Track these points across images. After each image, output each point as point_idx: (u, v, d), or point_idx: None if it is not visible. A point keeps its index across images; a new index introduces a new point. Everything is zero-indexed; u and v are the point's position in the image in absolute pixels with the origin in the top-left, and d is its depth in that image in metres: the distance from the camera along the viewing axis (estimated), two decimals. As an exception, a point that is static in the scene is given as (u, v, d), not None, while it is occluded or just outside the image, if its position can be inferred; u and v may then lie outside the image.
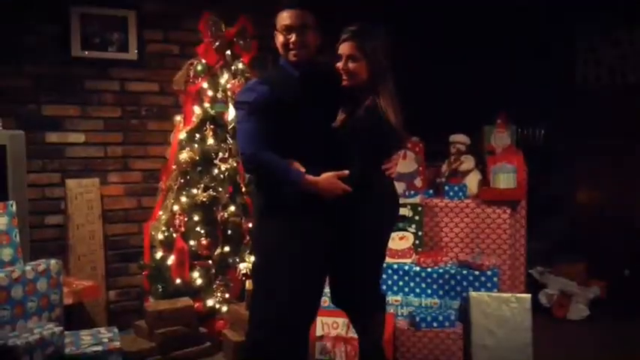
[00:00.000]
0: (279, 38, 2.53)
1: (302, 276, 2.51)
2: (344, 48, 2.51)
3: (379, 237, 2.68)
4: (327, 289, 2.79)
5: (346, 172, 2.43)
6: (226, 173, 3.66)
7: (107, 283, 3.95)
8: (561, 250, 4.57)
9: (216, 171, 3.66)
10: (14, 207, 2.91)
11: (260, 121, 2.44)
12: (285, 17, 2.49)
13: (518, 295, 3.31)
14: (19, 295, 2.74)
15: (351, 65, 2.50)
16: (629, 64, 4.36)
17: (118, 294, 4.03)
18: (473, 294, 3.31)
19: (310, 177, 2.42)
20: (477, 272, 3.42)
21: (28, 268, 2.81)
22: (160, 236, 3.63)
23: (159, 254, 3.63)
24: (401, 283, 3.52)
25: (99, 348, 2.83)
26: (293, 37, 2.48)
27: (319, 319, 3.30)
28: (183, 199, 3.62)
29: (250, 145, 2.44)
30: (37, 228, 3.69)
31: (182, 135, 3.70)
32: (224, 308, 3.59)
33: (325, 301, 3.37)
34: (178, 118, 3.81)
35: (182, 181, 3.66)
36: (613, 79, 4.48)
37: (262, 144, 2.43)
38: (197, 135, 3.69)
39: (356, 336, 2.97)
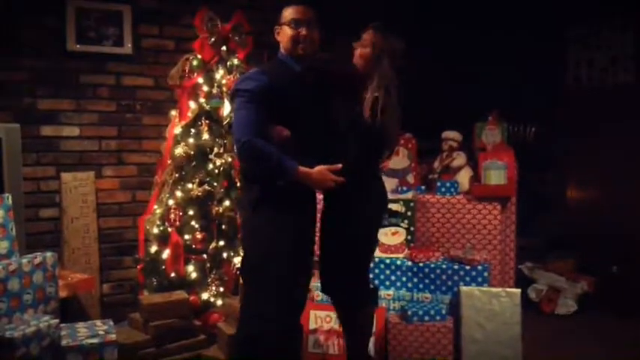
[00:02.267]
0: (287, 32, 2.57)
1: (294, 269, 2.55)
2: (369, 34, 2.63)
3: (370, 228, 2.75)
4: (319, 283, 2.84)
5: (339, 165, 2.49)
6: (221, 168, 3.68)
7: (101, 276, 3.97)
8: (551, 247, 4.63)
9: (211, 166, 3.68)
10: (10, 200, 2.92)
11: (258, 111, 2.45)
12: (294, 11, 2.56)
13: (508, 289, 3.35)
14: (15, 287, 2.76)
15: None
16: (621, 64, 4.39)
17: (112, 287, 4.04)
18: (463, 288, 3.35)
19: (303, 168, 2.46)
20: (467, 267, 3.46)
21: (24, 260, 2.83)
22: (155, 230, 3.64)
23: (154, 248, 3.65)
24: (393, 277, 3.56)
25: (95, 340, 2.85)
26: (303, 31, 2.54)
27: (312, 313, 3.34)
28: (178, 193, 3.64)
29: (246, 133, 2.44)
30: (32, 221, 3.71)
31: (177, 130, 3.71)
32: (219, 302, 3.62)
33: (318, 295, 3.43)
34: (173, 112, 3.82)
35: (177, 175, 3.68)
36: (604, 79, 4.50)
37: (259, 133, 2.44)
38: (192, 130, 3.71)
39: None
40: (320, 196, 2.81)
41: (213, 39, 3.72)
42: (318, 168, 2.49)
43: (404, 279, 3.55)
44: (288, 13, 2.57)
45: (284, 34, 2.59)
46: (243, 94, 2.49)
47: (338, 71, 2.73)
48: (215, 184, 3.67)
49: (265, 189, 2.52)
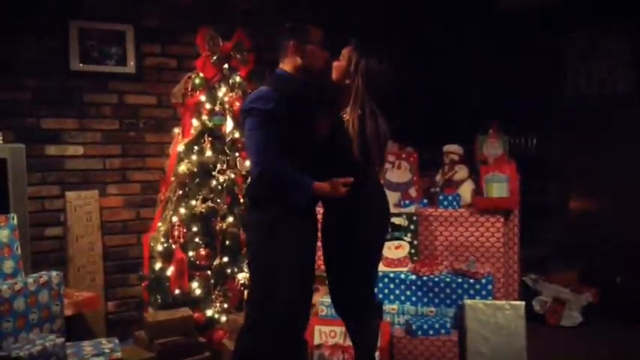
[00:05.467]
0: (320, 54, 2.66)
1: (305, 282, 2.65)
2: (347, 49, 2.70)
3: (369, 241, 2.77)
4: (326, 299, 2.85)
5: (350, 179, 2.58)
6: (224, 184, 3.71)
7: (106, 294, 3.98)
8: (554, 258, 4.62)
9: (214, 182, 3.71)
10: (15, 220, 2.94)
11: (273, 131, 2.48)
12: (321, 34, 2.66)
13: (512, 302, 3.35)
14: (21, 306, 2.77)
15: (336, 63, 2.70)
16: (619, 73, 4.40)
17: (117, 305, 4.05)
18: (468, 302, 3.35)
19: (318, 183, 2.55)
20: (471, 280, 3.47)
21: (29, 280, 2.84)
22: (159, 247, 3.66)
23: (158, 265, 3.66)
24: (397, 291, 3.57)
25: (101, 359, 2.86)
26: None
27: (317, 328, 3.34)
28: (182, 210, 3.66)
29: (268, 156, 2.48)
30: (37, 240, 3.71)
31: (180, 147, 3.74)
32: (223, 318, 3.62)
33: (322, 309, 3.43)
34: (177, 130, 3.85)
35: (181, 192, 3.70)
36: (603, 88, 4.51)
37: (276, 154, 2.49)
38: (195, 147, 3.73)
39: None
40: (320, 210, 2.85)
41: (215, 57, 3.76)
42: (331, 181, 2.57)
43: (408, 293, 3.56)
44: (321, 36, 2.65)
45: (315, 56, 2.64)
46: (257, 114, 2.49)
47: (332, 88, 2.78)
48: (218, 200, 3.69)
49: (279, 210, 2.55)
